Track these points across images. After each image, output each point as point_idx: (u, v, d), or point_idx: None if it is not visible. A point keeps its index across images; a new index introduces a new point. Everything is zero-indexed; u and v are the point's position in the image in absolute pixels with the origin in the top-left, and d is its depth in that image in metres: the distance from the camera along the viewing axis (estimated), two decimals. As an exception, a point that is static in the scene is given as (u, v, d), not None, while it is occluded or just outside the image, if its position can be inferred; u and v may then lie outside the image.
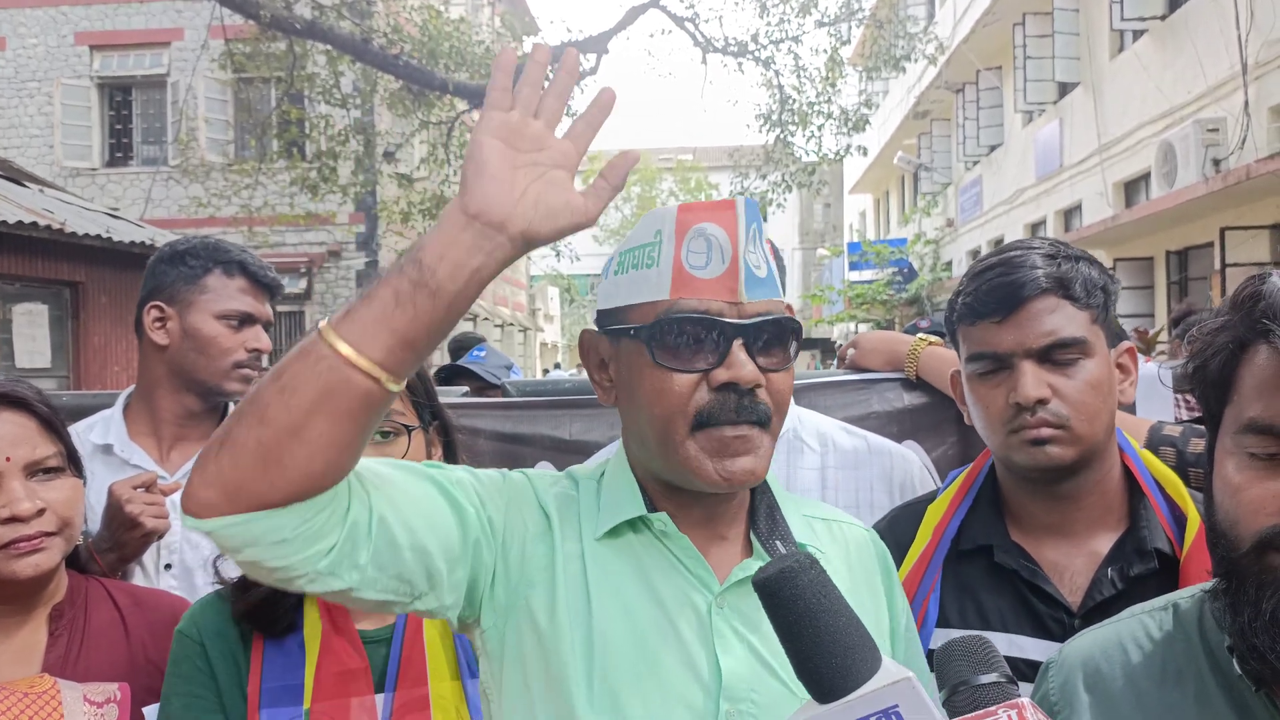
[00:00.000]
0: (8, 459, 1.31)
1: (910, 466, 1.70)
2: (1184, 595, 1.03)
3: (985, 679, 0.76)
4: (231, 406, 1.98)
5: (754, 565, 1.03)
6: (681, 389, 1.01)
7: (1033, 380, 1.29)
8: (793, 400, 1.72)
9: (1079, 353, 1.30)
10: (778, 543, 1.08)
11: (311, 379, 0.85)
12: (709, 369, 1.01)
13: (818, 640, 0.76)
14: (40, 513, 1.31)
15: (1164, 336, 6.98)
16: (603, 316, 1.10)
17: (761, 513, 1.10)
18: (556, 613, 1.01)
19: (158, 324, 1.90)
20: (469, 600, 1.03)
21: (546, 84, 0.95)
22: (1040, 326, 1.29)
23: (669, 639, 1.02)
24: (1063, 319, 1.29)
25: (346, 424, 0.86)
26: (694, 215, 1.03)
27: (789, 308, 1.10)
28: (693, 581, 1.04)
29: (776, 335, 1.04)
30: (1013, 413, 1.30)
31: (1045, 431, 1.29)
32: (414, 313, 0.87)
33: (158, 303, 1.90)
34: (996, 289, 1.31)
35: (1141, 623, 1.03)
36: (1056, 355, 1.30)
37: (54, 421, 1.38)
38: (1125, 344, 1.37)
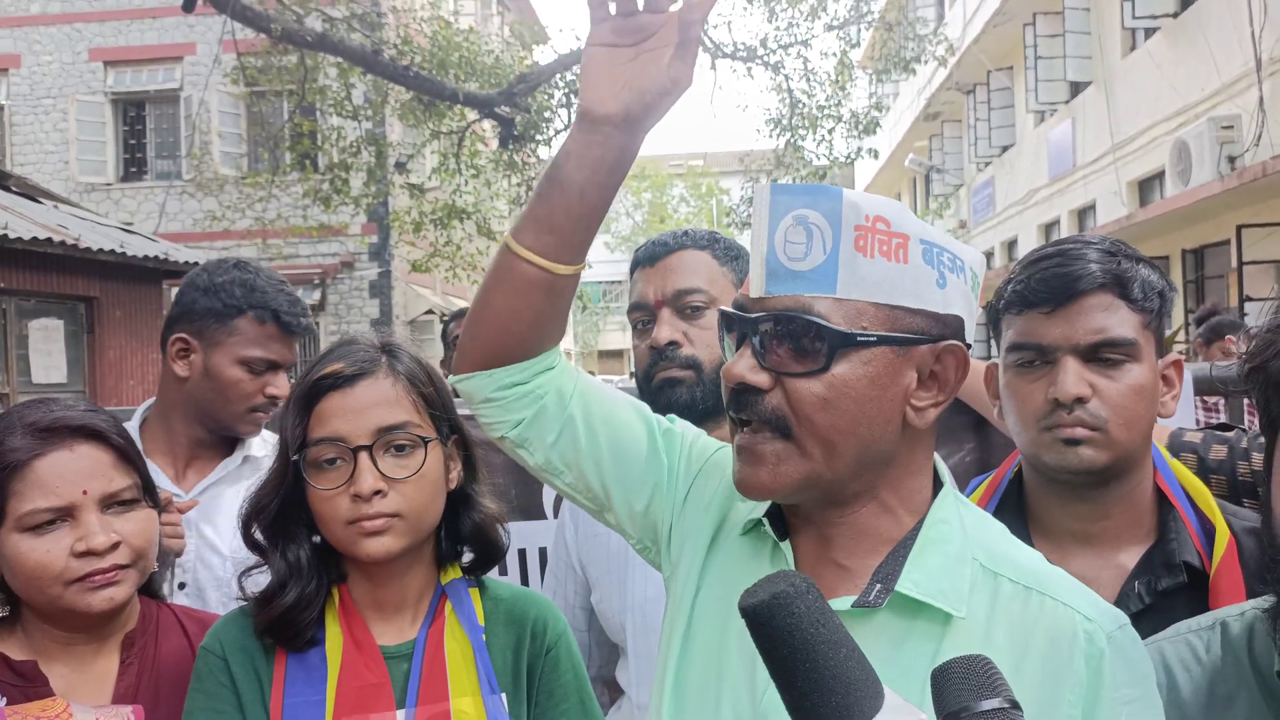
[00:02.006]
0: (84, 492, 1.30)
1: None
2: (1232, 614, 0.99)
3: (988, 705, 0.69)
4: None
5: (840, 602, 0.94)
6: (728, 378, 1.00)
7: (1074, 377, 1.24)
8: None
9: (1126, 355, 1.25)
10: (877, 585, 0.95)
11: (494, 266, 1.10)
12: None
13: (816, 676, 0.69)
14: (115, 546, 1.30)
15: (1181, 336, 6.93)
16: None
17: (895, 552, 0.97)
18: (688, 584, 1.07)
19: (181, 355, 1.86)
20: (651, 540, 1.14)
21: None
22: (1090, 323, 1.24)
23: (746, 647, 0.97)
24: (1115, 318, 1.25)
25: (515, 299, 1.08)
26: None
27: (887, 311, 0.93)
28: None
29: (791, 335, 0.93)
30: (1049, 409, 1.26)
31: (1080, 432, 1.24)
32: (549, 203, 1.06)
33: (183, 334, 1.86)
34: (1051, 279, 1.26)
35: (1188, 642, 0.99)
36: (1103, 355, 1.25)
37: (130, 452, 1.37)
38: (1173, 356, 1.32)
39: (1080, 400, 1.24)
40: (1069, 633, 0.92)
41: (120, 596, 1.32)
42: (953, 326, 0.97)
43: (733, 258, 1.64)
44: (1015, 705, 0.69)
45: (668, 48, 1.03)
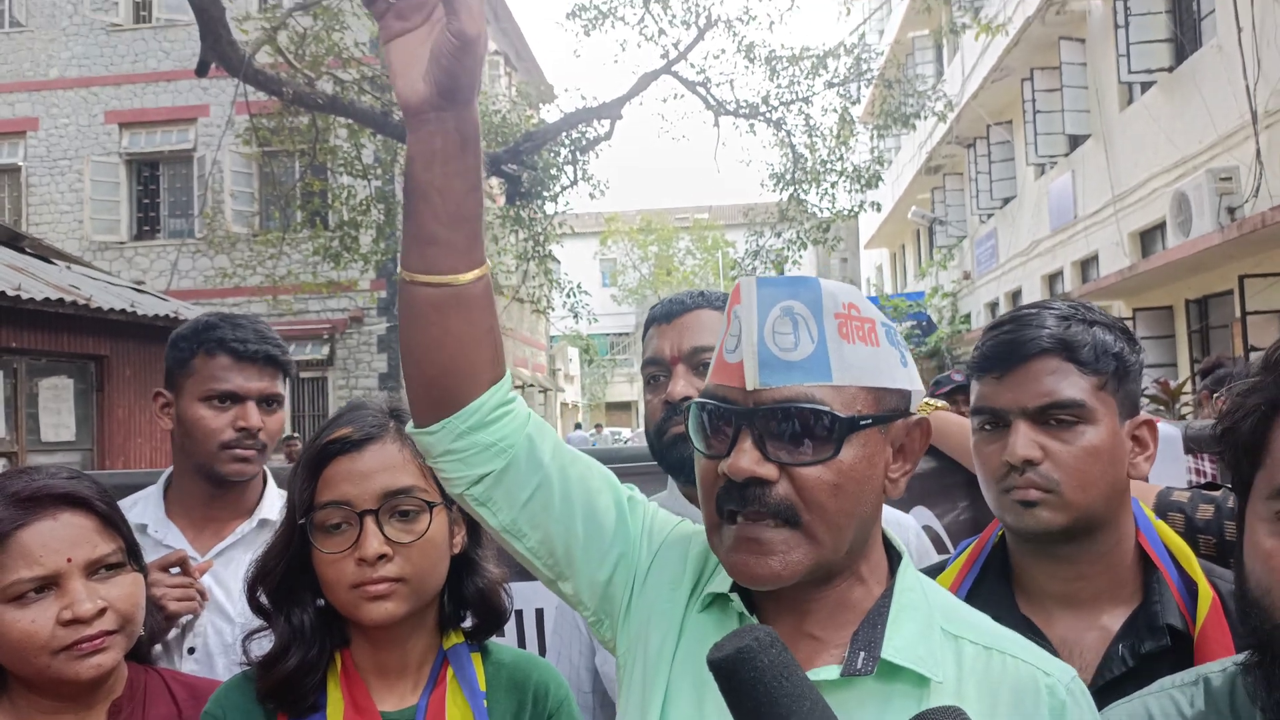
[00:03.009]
0: (68, 560, 1.31)
1: (905, 532, 1.66)
2: (1214, 669, 1.00)
3: None
4: (271, 482, 1.97)
5: (824, 673, 0.96)
6: (707, 474, 1.00)
7: (1024, 440, 1.27)
8: None
9: (1077, 417, 1.27)
10: (861, 653, 0.97)
11: (400, 310, 1.06)
12: (721, 456, 0.98)
13: None
14: (101, 613, 1.31)
15: (1188, 387, 6.93)
16: None
17: (869, 620, 1.01)
18: (662, 659, 1.04)
19: (164, 410, 1.90)
20: (606, 612, 1.10)
21: None
22: (1038, 386, 1.28)
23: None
24: (1063, 381, 1.28)
25: (429, 330, 1.03)
26: (736, 295, 1.00)
27: (872, 394, 0.98)
28: None
29: (799, 425, 0.95)
30: (1005, 471, 1.29)
31: (1033, 493, 1.27)
32: (417, 216, 1.02)
33: (161, 389, 1.91)
34: (1000, 345, 1.32)
35: (1172, 698, 0.99)
36: (1053, 417, 1.28)
37: (114, 518, 1.38)
38: (1144, 417, 1.33)
39: (1030, 462, 1.27)
40: (1032, 688, 0.98)
41: (108, 663, 1.32)
42: (909, 400, 1.03)
43: None
44: None
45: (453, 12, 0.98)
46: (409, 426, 1.10)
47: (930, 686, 0.97)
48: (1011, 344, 1.31)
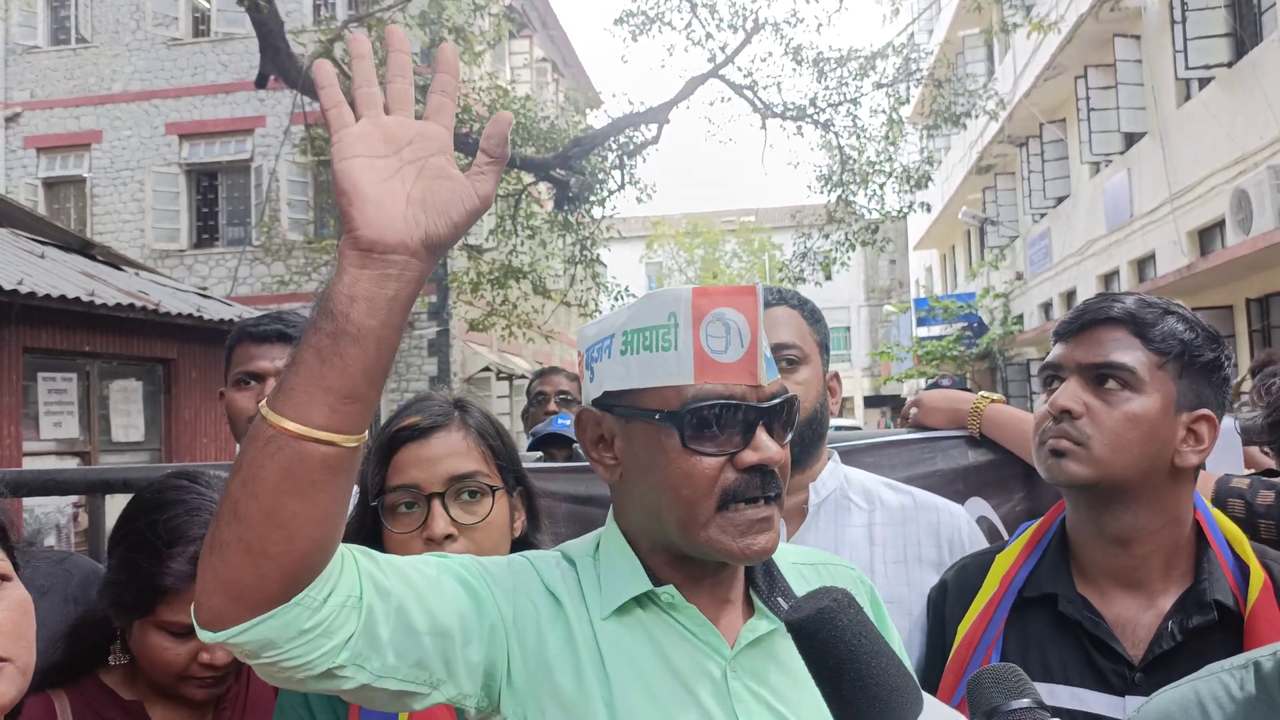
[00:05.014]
0: None
1: (958, 520, 1.70)
2: (1265, 654, 1.01)
3: (1018, 704, 0.75)
4: None
5: (762, 626, 1.09)
6: (710, 471, 1.03)
7: (1068, 393, 1.33)
8: (840, 460, 1.75)
9: (1125, 383, 1.32)
10: (779, 599, 1.10)
11: (267, 463, 0.84)
12: (736, 451, 1.03)
13: (860, 683, 0.73)
14: (231, 660, 1.43)
15: (1246, 386, 6.78)
16: (610, 397, 1.09)
17: (758, 571, 1.13)
18: (584, 688, 1.03)
19: (226, 407, 2.04)
20: (486, 690, 1.03)
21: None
22: (1097, 348, 1.35)
23: (690, 709, 1.03)
24: (1119, 347, 1.33)
25: (315, 495, 0.85)
26: (710, 300, 1.03)
27: None
28: (704, 649, 1.06)
29: (787, 415, 1.07)
30: (1044, 421, 1.36)
31: (1063, 444, 1.32)
32: (343, 364, 0.85)
33: (222, 389, 2.05)
34: (1075, 312, 1.41)
35: (1221, 681, 1.01)
36: (1105, 380, 1.33)
37: None
38: (1201, 411, 1.34)
39: (1069, 413, 1.33)
40: (854, 584, 1.20)
41: (220, 691, 1.48)
42: None
43: (817, 320, 1.75)
44: (1042, 705, 0.75)
45: (433, 157, 0.90)
46: (224, 633, 0.87)
47: None
48: (1084, 310, 1.39)
